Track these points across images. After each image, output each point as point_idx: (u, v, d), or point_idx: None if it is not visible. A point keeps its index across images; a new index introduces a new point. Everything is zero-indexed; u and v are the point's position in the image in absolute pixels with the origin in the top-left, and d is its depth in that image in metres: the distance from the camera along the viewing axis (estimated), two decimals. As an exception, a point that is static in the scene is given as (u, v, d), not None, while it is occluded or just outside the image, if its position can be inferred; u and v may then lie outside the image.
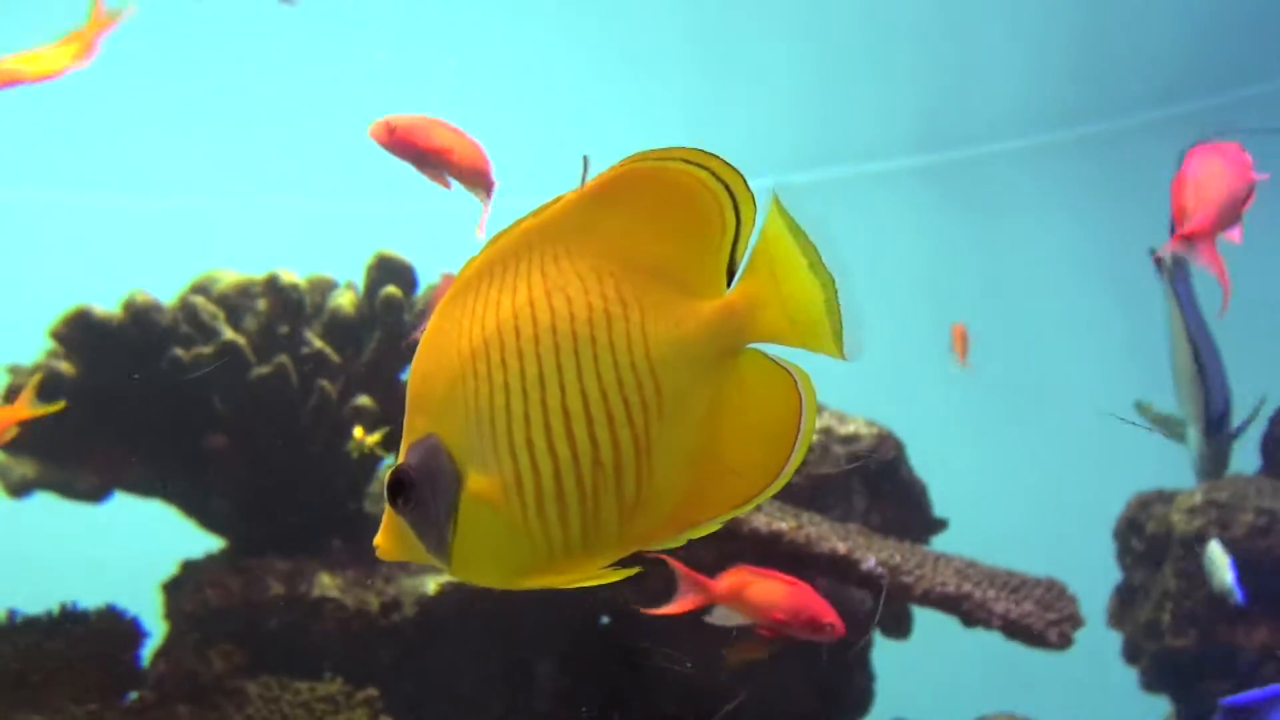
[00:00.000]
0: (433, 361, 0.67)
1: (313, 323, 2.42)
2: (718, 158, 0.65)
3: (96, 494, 2.31)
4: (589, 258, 0.66)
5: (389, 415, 2.46)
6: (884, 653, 2.82)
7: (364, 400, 2.36)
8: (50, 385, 2.21)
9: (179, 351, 2.22)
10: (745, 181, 0.65)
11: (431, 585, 2.36)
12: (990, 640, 3.76)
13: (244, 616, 2.22)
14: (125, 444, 2.31)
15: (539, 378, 0.65)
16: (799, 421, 0.65)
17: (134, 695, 2.15)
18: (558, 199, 0.66)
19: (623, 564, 0.68)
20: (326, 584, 2.25)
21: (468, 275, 0.68)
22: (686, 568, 1.76)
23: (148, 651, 2.32)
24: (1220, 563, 2.42)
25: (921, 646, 3.07)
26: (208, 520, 2.45)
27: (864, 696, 2.83)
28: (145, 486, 2.38)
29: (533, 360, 0.65)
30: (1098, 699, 3.23)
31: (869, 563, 1.91)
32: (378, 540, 0.70)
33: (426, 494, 0.66)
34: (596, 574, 0.66)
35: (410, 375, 0.69)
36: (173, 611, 2.37)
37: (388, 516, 0.69)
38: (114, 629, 2.26)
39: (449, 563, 0.68)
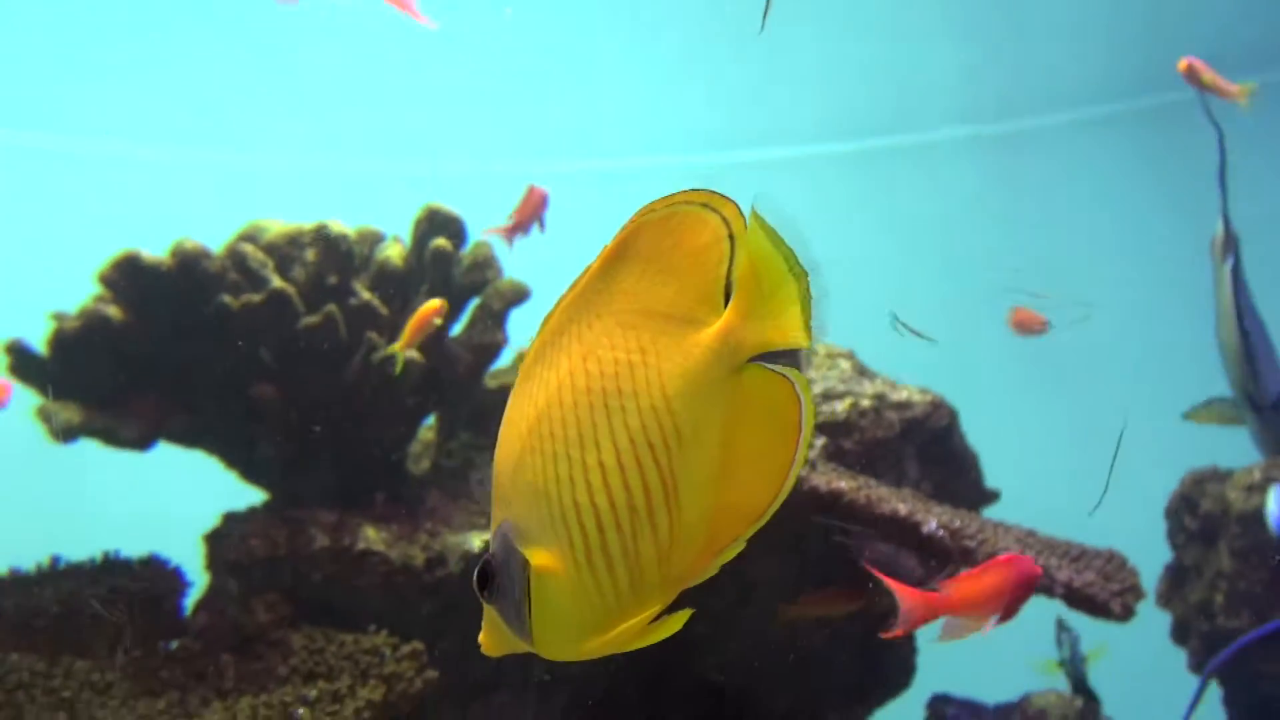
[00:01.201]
0: (501, 454, 0.70)
1: (361, 275, 2.38)
2: (712, 193, 0.67)
3: (141, 441, 2.29)
4: (613, 315, 0.69)
5: (434, 369, 2.43)
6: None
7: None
8: (97, 329, 2.19)
9: (227, 299, 2.19)
10: (737, 206, 0.67)
11: (476, 541, 2.33)
12: (1036, 617, 3.70)
13: (288, 568, 2.19)
14: (170, 391, 2.28)
15: (579, 439, 0.68)
16: (800, 423, 0.67)
17: (175, 644, 2.12)
18: (586, 268, 0.69)
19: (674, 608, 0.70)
20: (371, 538, 2.22)
21: (526, 367, 0.71)
22: (903, 586, 1.71)
23: (189, 602, 2.30)
24: None
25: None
26: (251, 472, 2.42)
27: (905, 668, 2.79)
28: (189, 436, 2.35)
29: (574, 425, 0.68)
30: (1144, 680, 3.17)
31: (930, 525, 1.86)
32: (482, 637, 0.72)
33: (503, 579, 0.69)
34: (655, 629, 0.68)
35: (493, 475, 0.72)
36: (215, 562, 2.35)
37: (486, 612, 0.71)
38: (156, 578, 2.24)
39: (532, 641, 0.70)
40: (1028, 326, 2.90)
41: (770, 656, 2.52)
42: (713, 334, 0.68)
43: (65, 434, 2.22)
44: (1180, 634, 2.96)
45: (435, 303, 2.12)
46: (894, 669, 2.76)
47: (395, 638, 2.05)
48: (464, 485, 2.59)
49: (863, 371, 2.63)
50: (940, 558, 1.94)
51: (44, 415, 2.23)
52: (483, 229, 2.53)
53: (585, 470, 0.67)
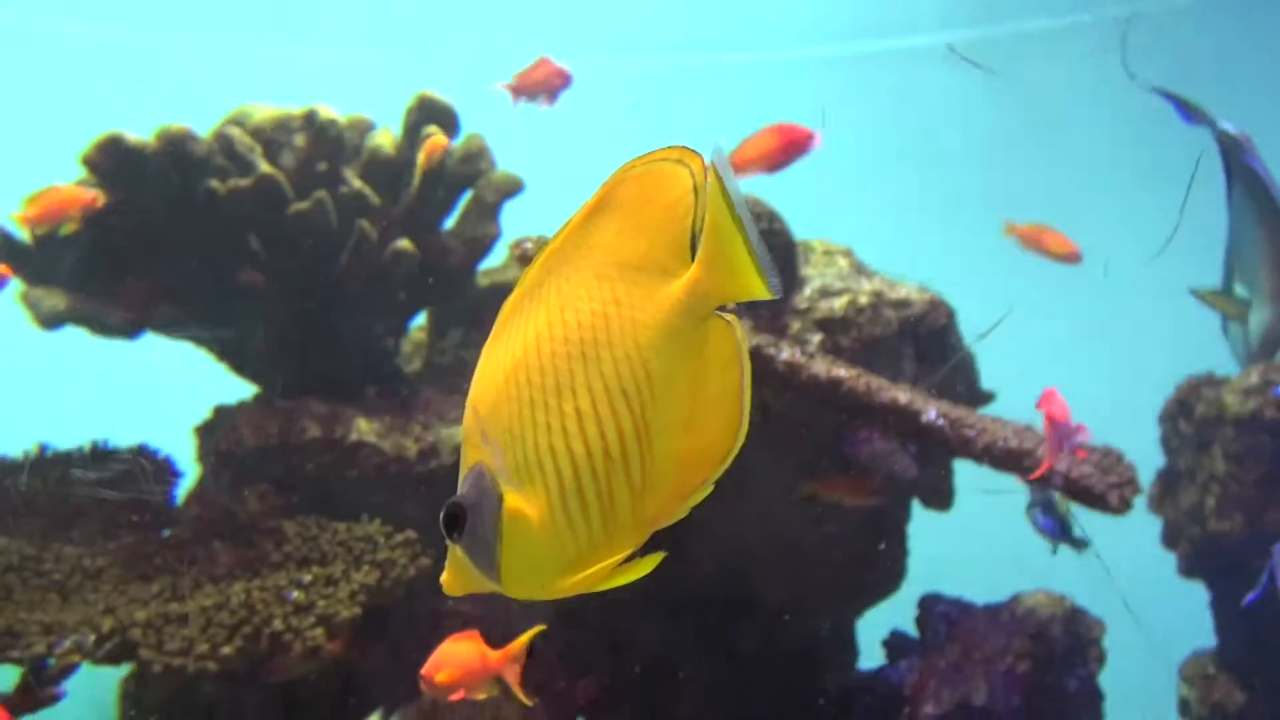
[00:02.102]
0: (475, 398, 0.71)
1: (352, 162, 2.33)
2: (683, 148, 0.70)
3: (128, 330, 2.25)
4: (592, 267, 0.71)
5: (429, 261, 2.38)
6: (921, 524, 2.78)
7: (404, 243, 2.28)
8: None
9: (214, 184, 2.13)
10: (702, 161, 0.69)
11: (469, 436, 2.30)
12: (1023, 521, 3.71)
13: (280, 459, 2.17)
14: (157, 279, 2.24)
15: (555, 387, 0.69)
16: (741, 364, 0.70)
17: (167, 532, 2.11)
18: (566, 221, 0.71)
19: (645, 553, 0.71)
20: (364, 429, 2.20)
21: (503, 316, 0.72)
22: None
23: (180, 494, 2.28)
24: None
25: (958, 521, 3.04)
26: (241, 363, 2.39)
27: (897, 570, 2.80)
28: (177, 325, 2.31)
29: (551, 373, 0.69)
30: (1132, 584, 3.19)
31: (930, 414, 1.84)
32: (444, 577, 0.73)
33: (476, 520, 0.70)
34: (626, 570, 0.70)
35: (463, 418, 0.73)
36: (206, 454, 2.33)
37: (450, 551, 0.72)
38: (145, 466, 2.22)
39: (500, 581, 0.71)
40: (1048, 248, 2.85)
41: (764, 553, 2.52)
42: (680, 285, 0.70)
43: (51, 321, 2.18)
44: (1171, 538, 2.97)
45: (442, 139, 2.07)
46: (886, 570, 2.77)
47: (388, 526, 2.04)
48: (457, 381, 2.57)
49: (860, 269, 2.59)
50: (939, 447, 1.93)
51: (29, 301, 2.18)
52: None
53: (562, 417, 0.69)
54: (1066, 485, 1.85)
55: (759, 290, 0.69)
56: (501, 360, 0.71)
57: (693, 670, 2.55)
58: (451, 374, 2.63)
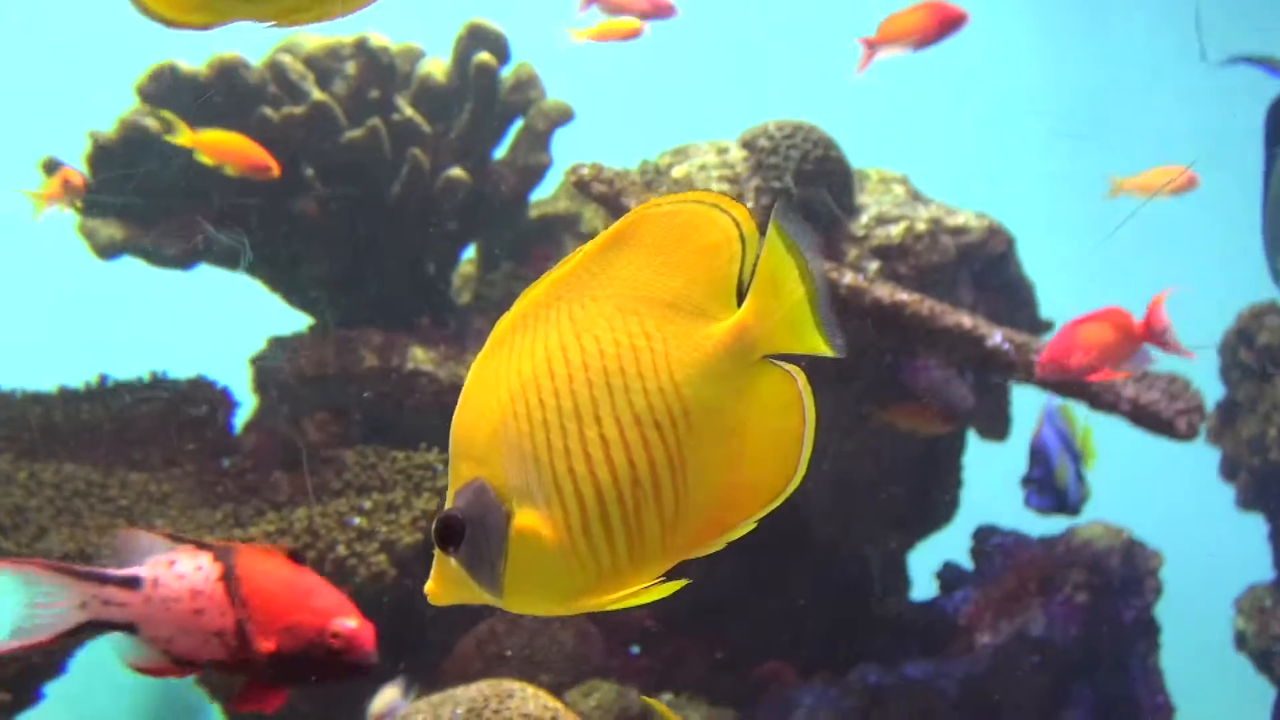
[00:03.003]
0: (473, 412, 0.71)
1: (403, 91, 2.31)
2: (720, 195, 0.71)
3: (183, 261, 2.26)
4: (613, 299, 0.71)
5: (480, 190, 2.37)
6: (976, 455, 2.76)
7: (457, 172, 2.27)
8: (136, 142, 2.13)
9: (267, 111, 2.12)
10: (746, 210, 0.71)
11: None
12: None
13: (337, 387, 2.18)
14: (211, 209, 2.23)
15: (574, 412, 0.70)
16: (804, 418, 0.71)
17: (228, 461, 2.12)
18: (579, 250, 0.71)
19: (669, 578, 0.72)
20: (420, 358, 2.19)
21: (501, 331, 0.71)
22: None
23: (239, 424, 2.30)
24: None
25: (1015, 453, 3.01)
26: (294, 295, 2.39)
27: (951, 501, 2.78)
28: (230, 257, 2.31)
29: (568, 397, 0.70)
30: (1190, 516, 3.16)
31: (996, 337, 1.81)
32: (430, 587, 0.72)
33: (478, 534, 0.70)
34: (645, 591, 0.71)
35: (452, 431, 0.72)
36: (262, 384, 2.34)
37: (438, 561, 0.71)
38: (205, 397, 2.23)
39: (501, 596, 0.71)
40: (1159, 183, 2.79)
41: (817, 485, 2.51)
42: (727, 328, 0.71)
43: (107, 251, 2.18)
44: (1230, 470, 2.93)
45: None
46: (940, 502, 2.76)
47: (446, 454, 2.04)
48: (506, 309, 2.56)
49: (917, 196, 2.55)
50: (1004, 371, 1.90)
51: (85, 232, 2.19)
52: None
53: (584, 442, 0.70)
54: (1134, 410, 1.82)
55: (821, 348, 0.71)
56: (504, 377, 0.71)
57: (744, 603, 2.56)
58: (501, 307, 2.62)
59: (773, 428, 0.71)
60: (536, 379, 0.70)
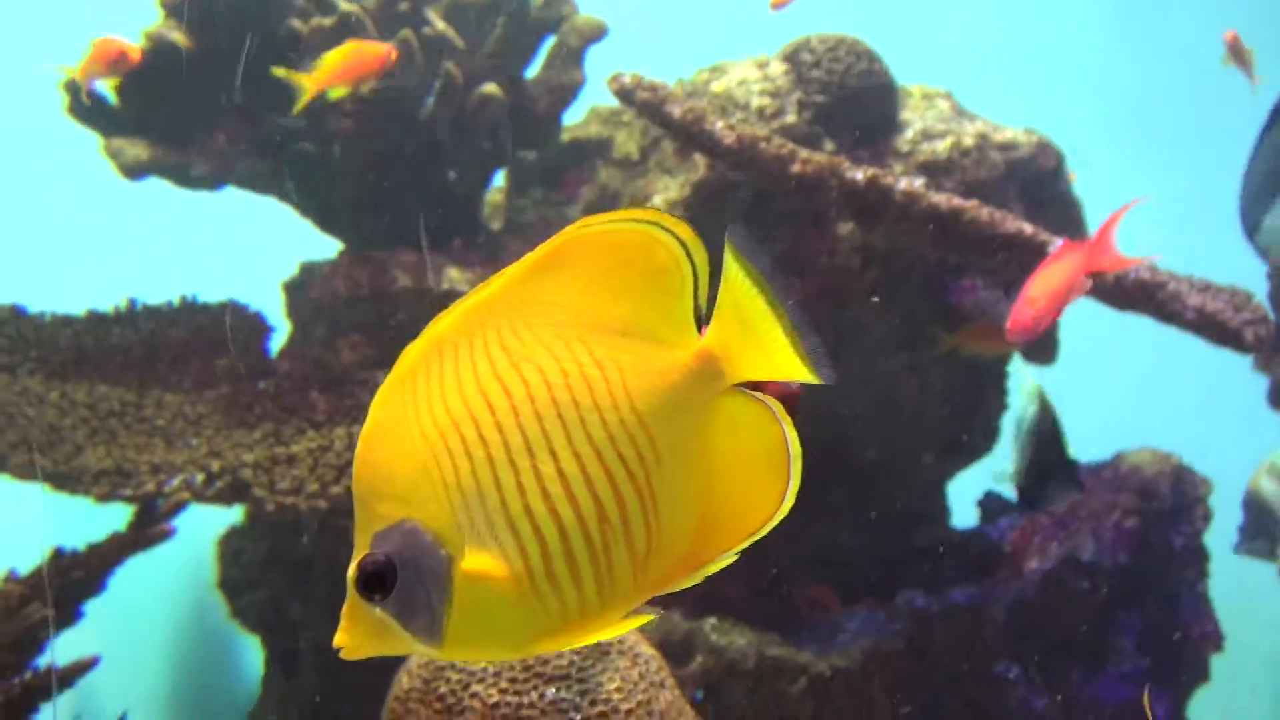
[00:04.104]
0: (389, 449, 0.65)
1: (433, 3, 2.23)
2: (663, 214, 0.66)
3: (210, 182, 2.20)
4: (550, 327, 0.66)
5: (513, 108, 2.30)
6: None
7: (491, 88, 2.20)
8: (162, 57, 2.07)
9: (295, 23, 2.05)
10: (691, 228, 0.66)
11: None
12: (1128, 374, 3.62)
13: (371, 309, 2.13)
14: (240, 129, 2.17)
15: (524, 447, 0.64)
16: (787, 448, 0.67)
17: (263, 384, 2.08)
18: (498, 274, 0.66)
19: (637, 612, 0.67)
20: (455, 278, 2.14)
21: (410, 361, 0.66)
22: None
23: (273, 351, 2.25)
24: None
25: (1060, 378, 2.95)
26: (325, 217, 2.33)
27: (994, 427, 2.73)
28: (260, 178, 2.25)
29: (515, 431, 0.64)
30: (1237, 443, 3.10)
31: (1058, 243, 1.74)
32: (343, 639, 0.65)
33: (411, 579, 0.64)
34: (613, 627, 0.66)
35: (360, 469, 0.65)
36: (295, 309, 2.29)
37: (354, 611, 0.65)
38: (237, 321, 2.19)
39: (442, 646, 0.65)
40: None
41: (859, 407, 2.46)
42: (692, 357, 0.67)
43: (133, 171, 2.13)
44: (1278, 398, 2.86)
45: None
46: (983, 428, 2.70)
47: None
48: (540, 235, 2.50)
49: (961, 112, 2.47)
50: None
51: (111, 152, 2.13)
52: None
53: (540, 478, 0.64)
54: (1199, 319, 1.76)
55: (800, 373, 0.67)
56: (424, 412, 0.65)
57: (784, 530, 2.51)
58: (534, 232, 2.56)
59: (749, 459, 0.68)
60: (471, 413, 0.64)
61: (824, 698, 2.10)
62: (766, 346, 0.67)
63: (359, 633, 0.64)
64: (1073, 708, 2.29)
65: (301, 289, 2.28)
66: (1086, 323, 2.65)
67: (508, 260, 2.24)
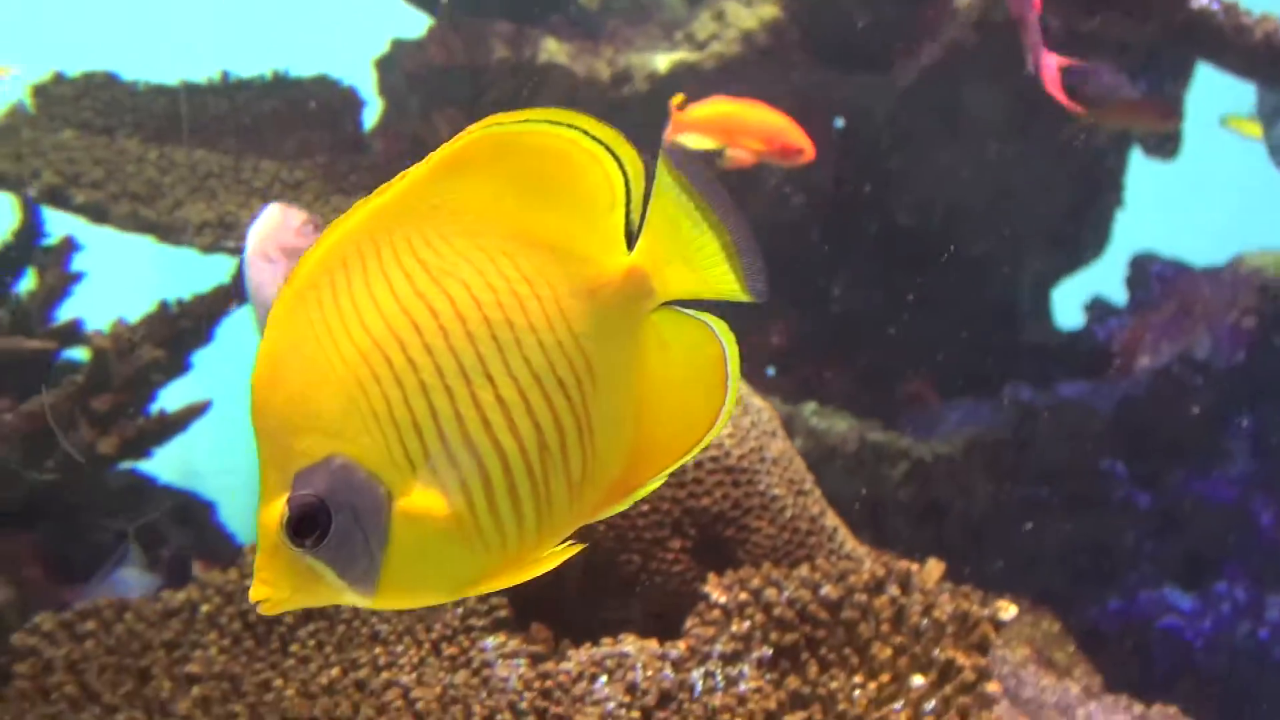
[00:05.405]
0: (302, 375, 0.58)
1: None
2: (589, 117, 0.60)
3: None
4: (468, 237, 0.60)
5: None
6: (1140, 176, 2.57)
7: None
8: None
9: None
10: (625, 138, 0.61)
11: (662, 63, 2.15)
12: (1250, 176, 3.44)
13: (467, 80, 2.06)
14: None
15: (459, 371, 0.59)
16: (725, 366, 0.64)
17: (360, 155, 2.04)
18: (401, 176, 0.58)
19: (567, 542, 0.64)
20: (553, 49, 2.06)
21: (309, 272, 0.58)
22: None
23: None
24: None
25: (1183, 176, 2.82)
26: (417, -9, 2.25)
27: (1106, 225, 2.61)
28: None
29: (446, 354, 0.59)
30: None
31: (1215, 5, 1.61)
32: (264, 591, 0.58)
33: (346, 522, 0.57)
34: (544, 560, 0.61)
35: (265, 397, 0.58)
36: (388, 88, 2.23)
37: (276, 560, 0.58)
38: (331, 94, 2.14)
39: (375, 593, 0.59)
40: None
41: (971, 199, 2.36)
42: (623, 274, 0.62)
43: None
44: None
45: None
46: (1092, 225, 2.59)
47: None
48: (635, 18, 2.39)
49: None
50: (1208, 40, 1.70)
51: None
52: None
53: (479, 406, 0.59)
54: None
55: (735, 292, 0.63)
56: (339, 332, 0.58)
57: (883, 322, 2.46)
58: (630, 14, 2.45)
59: (681, 379, 0.64)
60: (396, 334, 0.58)
61: (924, 482, 2.07)
62: (698, 263, 0.63)
63: (284, 584, 0.58)
64: (1177, 507, 2.24)
65: (393, 66, 2.22)
66: (1209, 126, 2.51)
67: (607, 38, 2.14)
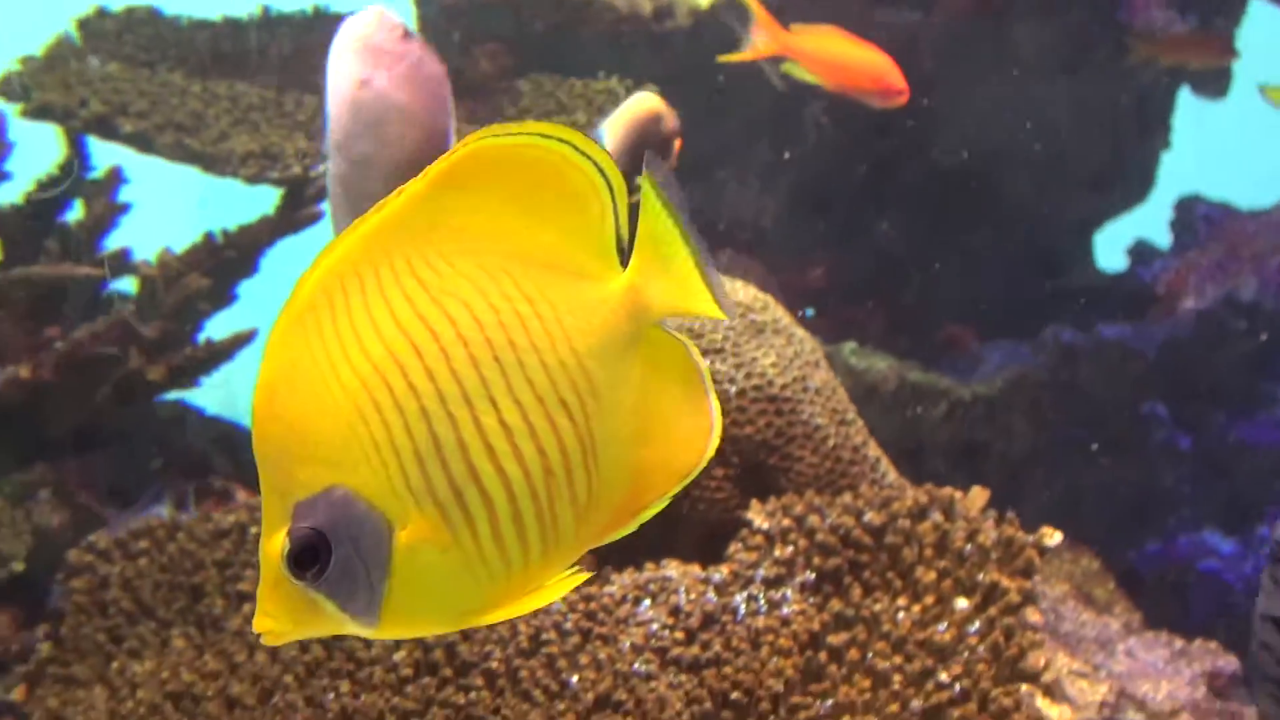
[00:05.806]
0: (302, 403, 0.57)
1: None
2: (576, 132, 0.59)
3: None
4: (469, 255, 0.59)
5: None
6: (1188, 116, 2.53)
7: None
8: None
9: None
10: (608, 154, 0.60)
11: (703, -2, 2.13)
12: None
13: (509, 14, 2.05)
14: None
15: (462, 397, 0.58)
16: (703, 382, 0.63)
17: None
18: (398, 192, 0.58)
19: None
20: (596, -18, 2.04)
21: (307, 295, 0.57)
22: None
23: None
24: None
25: (1233, 118, 2.77)
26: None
27: (1150, 168, 2.58)
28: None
29: (449, 379, 0.58)
30: None
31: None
32: (266, 624, 0.58)
33: (348, 554, 0.57)
34: (550, 588, 0.61)
35: (265, 427, 0.57)
36: (428, 22, 2.22)
37: (278, 591, 0.57)
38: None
39: (378, 624, 0.59)
40: None
41: (1012, 139, 2.33)
42: (620, 292, 0.62)
43: None
44: None
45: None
46: (1137, 167, 2.56)
47: (629, 80, 1.92)
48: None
49: None
50: None
51: None
52: None
53: (482, 432, 0.58)
54: None
55: (711, 310, 0.63)
56: (339, 358, 0.57)
57: (923, 264, 2.44)
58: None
59: (673, 396, 0.63)
60: (397, 359, 0.57)
61: (964, 423, 2.07)
62: (684, 282, 0.63)
63: (285, 616, 0.58)
64: (1219, 450, 2.23)
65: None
66: (1260, 67, 2.46)
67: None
